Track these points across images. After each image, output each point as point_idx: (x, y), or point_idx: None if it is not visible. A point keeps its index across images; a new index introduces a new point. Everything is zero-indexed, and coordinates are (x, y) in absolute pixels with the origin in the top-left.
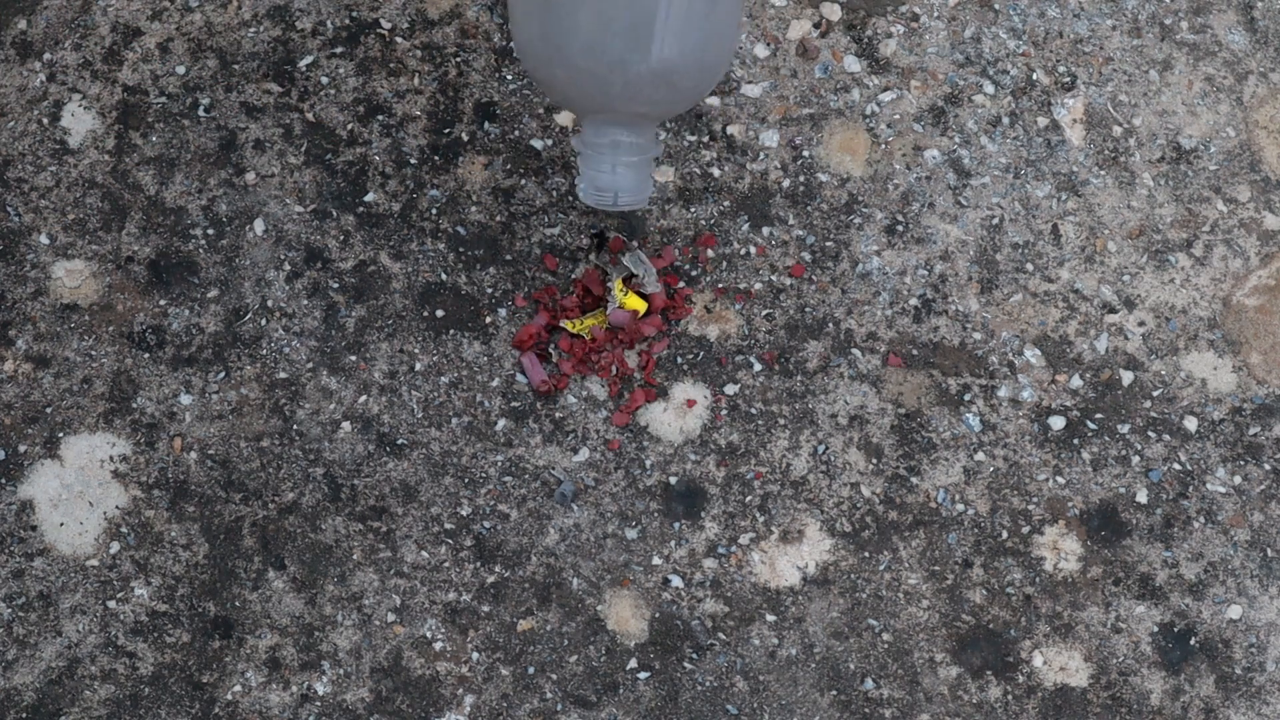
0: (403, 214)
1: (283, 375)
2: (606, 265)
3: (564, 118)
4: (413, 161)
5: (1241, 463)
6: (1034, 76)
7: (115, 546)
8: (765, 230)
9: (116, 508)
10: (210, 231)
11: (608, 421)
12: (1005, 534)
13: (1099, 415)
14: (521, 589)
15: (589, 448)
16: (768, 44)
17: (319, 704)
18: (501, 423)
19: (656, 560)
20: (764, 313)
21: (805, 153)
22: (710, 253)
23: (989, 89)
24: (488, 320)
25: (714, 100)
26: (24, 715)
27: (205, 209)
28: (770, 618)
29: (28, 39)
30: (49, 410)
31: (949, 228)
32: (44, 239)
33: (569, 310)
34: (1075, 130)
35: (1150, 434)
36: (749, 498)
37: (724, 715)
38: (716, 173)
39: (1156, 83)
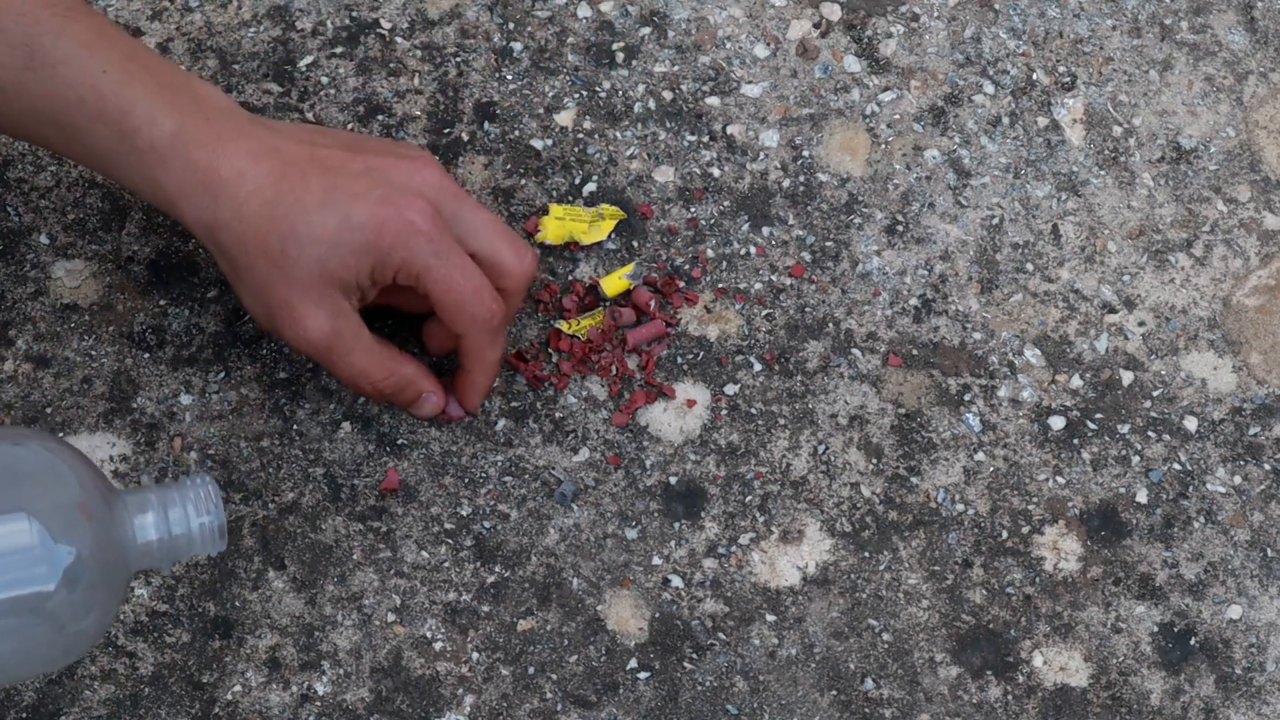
0: None
1: (283, 375)
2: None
3: (564, 117)
4: None
5: (1241, 463)
6: (1034, 76)
7: None
8: (765, 230)
9: None
10: None
11: (608, 422)
12: (1005, 534)
13: (1099, 415)
14: (521, 589)
15: (589, 448)
16: (768, 44)
17: (319, 704)
18: (501, 423)
19: (656, 560)
20: (764, 313)
21: (805, 153)
22: (710, 253)
23: (989, 89)
24: None
25: (714, 100)
26: (24, 715)
27: None
28: (770, 618)
29: None
30: (49, 410)
31: (949, 228)
32: (44, 239)
33: (567, 311)
34: (1075, 130)
35: (1150, 434)
36: (749, 498)
37: (724, 715)
38: (716, 173)
39: (1156, 83)
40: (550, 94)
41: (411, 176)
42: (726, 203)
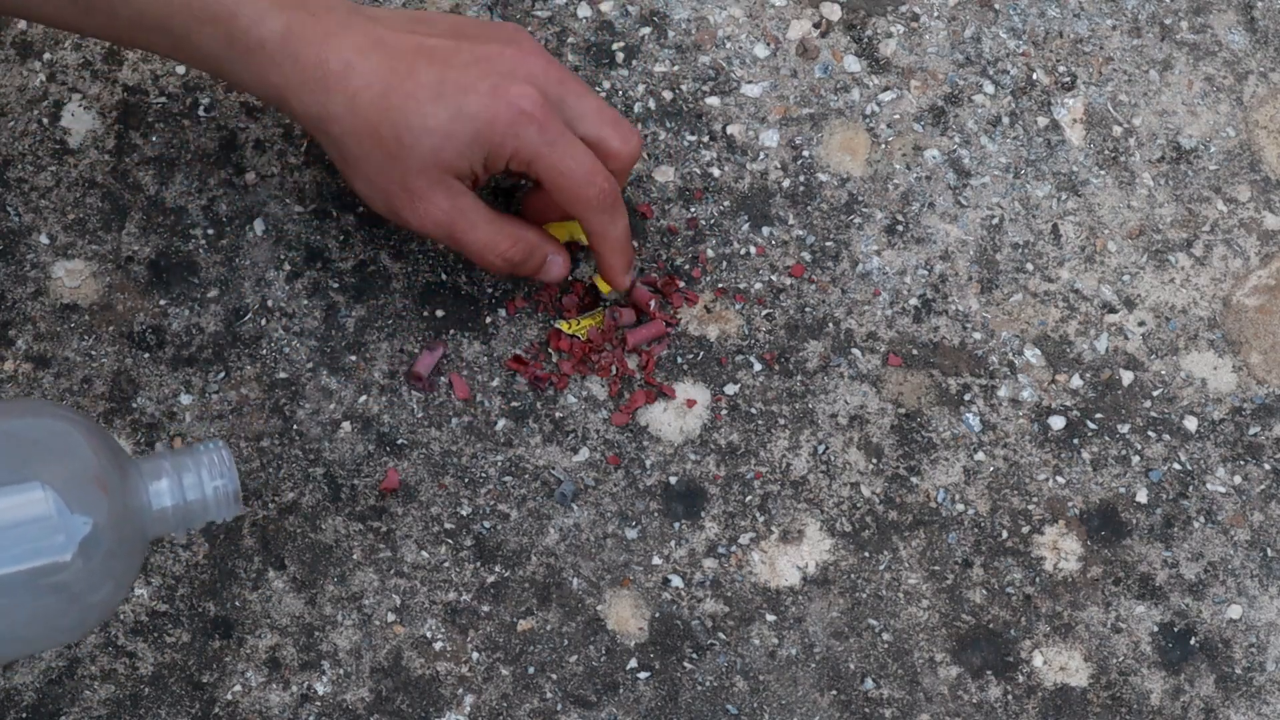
0: None
1: (283, 375)
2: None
3: None
4: None
5: (1241, 463)
6: (1034, 76)
7: None
8: (765, 230)
9: None
10: (210, 231)
11: (608, 422)
12: (1005, 534)
13: (1099, 415)
14: (521, 589)
15: (589, 448)
16: (768, 44)
17: (319, 704)
18: (501, 423)
19: (656, 560)
20: (764, 313)
21: (805, 153)
22: (710, 253)
23: (989, 89)
24: (488, 320)
25: (714, 100)
26: (24, 715)
27: (205, 209)
28: (770, 618)
29: (28, 39)
30: None
31: (949, 228)
32: (44, 239)
33: (567, 311)
34: (1075, 130)
35: (1150, 434)
36: (749, 498)
37: (724, 715)
38: (716, 173)
39: (1156, 83)
40: None
41: (518, 64)
42: (726, 203)
